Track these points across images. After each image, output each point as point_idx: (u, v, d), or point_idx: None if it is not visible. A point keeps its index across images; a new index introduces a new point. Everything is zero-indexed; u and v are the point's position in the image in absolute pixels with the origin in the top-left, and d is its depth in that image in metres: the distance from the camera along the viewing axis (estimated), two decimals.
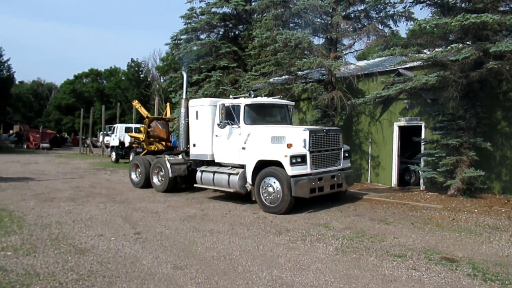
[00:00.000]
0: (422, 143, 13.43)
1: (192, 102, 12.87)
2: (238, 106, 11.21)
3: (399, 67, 13.87)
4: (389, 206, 10.89)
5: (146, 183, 14.26)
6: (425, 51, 12.27)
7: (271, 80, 17.07)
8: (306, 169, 9.93)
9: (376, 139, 15.50)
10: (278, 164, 9.98)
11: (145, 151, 16.59)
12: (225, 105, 11.31)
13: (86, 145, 38.34)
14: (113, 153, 27.55)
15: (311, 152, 10.04)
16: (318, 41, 16.33)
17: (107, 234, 7.82)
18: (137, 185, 14.68)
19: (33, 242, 7.15)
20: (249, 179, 10.71)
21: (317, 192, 10.07)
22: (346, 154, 11.31)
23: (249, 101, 11.38)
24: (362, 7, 15.06)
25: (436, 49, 11.89)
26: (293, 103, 12.93)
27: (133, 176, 15.03)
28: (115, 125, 30.25)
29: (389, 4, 14.41)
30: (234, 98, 12.14)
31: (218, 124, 11.38)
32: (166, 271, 5.80)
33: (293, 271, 5.81)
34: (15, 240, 7.25)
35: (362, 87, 15.67)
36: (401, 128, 14.76)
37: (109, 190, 13.59)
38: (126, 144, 26.21)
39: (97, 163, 25.19)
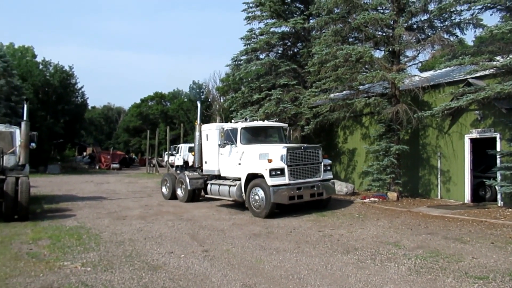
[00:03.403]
0: (498, 156, 12.57)
1: (204, 127, 15.25)
2: (236, 129, 13.26)
3: (468, 77, 13.19)
4: (464, 224, 10.24)
5: (173, 195, 16.01)
6: (497, 58, 11.59)
7: (331, 96, 16.92)
8: (285, 180, 11.66)
9: (445, 153, 14.74)
10: (262, 176, 11.76)
11: None
12: (225, 128, 13.57)
13: (152, 165, 39.92)
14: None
15: (289, 166, 11.76)
16: (379, 54, 16.03)
17: (176, 251, 8.05)
18: (166, 197, 16.40)
19: (109, 259, 7.51)
20: (243, 189, 12.52)
21: (297, 200, 11.75)
22: (329, 168, 12.98)
23: (244, 124, 13.51)
24: (426, 17, 14.62)
25: (510, 56, 11.18)
26: (286, 124, 14.88)
27: (164, 189, 16.82)
28: (179, 145, 31.28)
29: (455, 12, 13.87)
30: (235, 122, 14.14)
31: (219, 145, 13.52)
32: None
33: None
34: (94, 257, 7.67)
35: (428, 99, 15.06)
36: (472, 141, 13.93)
37: (176, 208, 14.02)
38: (190, 163, 26.84)
39: None
